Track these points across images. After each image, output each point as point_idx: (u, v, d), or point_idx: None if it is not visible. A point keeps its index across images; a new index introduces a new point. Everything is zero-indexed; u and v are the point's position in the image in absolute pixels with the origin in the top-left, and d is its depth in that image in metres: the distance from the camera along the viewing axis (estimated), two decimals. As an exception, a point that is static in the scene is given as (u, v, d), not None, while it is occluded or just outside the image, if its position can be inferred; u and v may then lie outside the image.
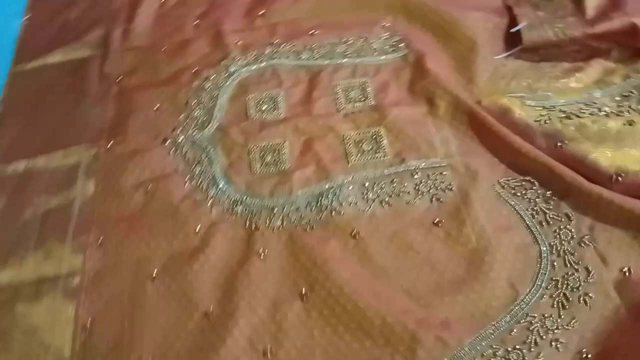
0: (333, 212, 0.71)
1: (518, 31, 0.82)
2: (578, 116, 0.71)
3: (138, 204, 0.75)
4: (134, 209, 0.75)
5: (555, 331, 0.59)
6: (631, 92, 0.74)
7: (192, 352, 0.62)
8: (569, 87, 0.78)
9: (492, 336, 0.59)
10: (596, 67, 0.79)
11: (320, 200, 0.72)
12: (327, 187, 0.73)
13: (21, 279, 0.71)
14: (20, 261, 0.73)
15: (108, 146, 0.82)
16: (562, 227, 0.65)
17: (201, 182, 0.76)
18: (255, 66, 0.88)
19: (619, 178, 0.65)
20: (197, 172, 0.77)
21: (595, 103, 0.74)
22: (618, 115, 0.72)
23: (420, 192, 0.71)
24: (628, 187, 0.64)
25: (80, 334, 0.66)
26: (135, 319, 0.65)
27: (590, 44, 0.80)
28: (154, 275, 0.69)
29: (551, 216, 0.66)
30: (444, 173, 0.72)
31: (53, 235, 0.74)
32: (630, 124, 0.69)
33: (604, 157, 0.67)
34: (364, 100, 0.81)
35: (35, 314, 0.68)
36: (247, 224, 0.71)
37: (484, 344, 0.59)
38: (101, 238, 0.72)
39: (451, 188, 0.71)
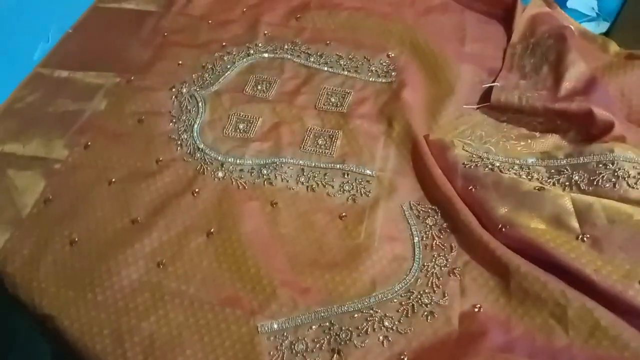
0: (266, 182, 0.83)
1: (495, 91, 0.90)
2: (501, 171, 0.78)
3: (128, 127, 0.92)
4: (123, 130, 0.91)
5: (389, 330, 0.66)
6: (565, 170, 0.79)
7: (109, 244, 0.77)
8: (514, 150, 0.84)
9: (336, 314, 0.68)
10: (548, 141, 0.85)
11: (262, 170, 0.84)
12: (272, 161, 0.85)
13: (22, 153, 0.90)
14: (28, 140, 0.92)
15: (130, 79, 1.00)
16: (442, 254, 0.73)
17: (181, 126, 0.91)
18: (270, 55, 1.03)
19: (504, 229, 0.71)
20: (182, 118, 0.93)
21: (528, 168, 0.80)
22: (540, 183, 0.77)
23: (342, 190, 0.81)
24: (508, 238, 0.71)
25: (40, 203, 0.83)
26: (82, 207, 0.81)
27: (552, 120, 0.86)
28: (112, 180, 0.84)
29: (437, 243, 0.74)
30: (370, 182, 0.82)
31: (58, 130, 0.93)
32: (539, 190, 0.74)
33: (502, 210, 0.73)
34: (339, 106, 0.92)
35: (18, 178, 0.85)
36: (197, 168, 0.85)
37: (325, 316, 0.68)
38: (89, 143, 0.90)
39: (368, 195, 0.80)
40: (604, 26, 1.29)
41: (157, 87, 0.98)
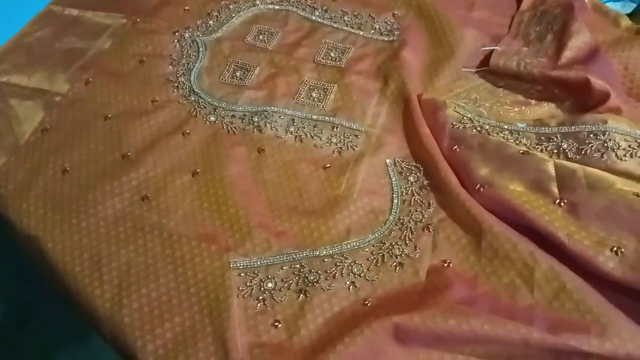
0: (256, 129, 0.84)
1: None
2: (489, 134, 0.78)
3: (129, 67, 0.93)
4: (124, 69, 0.93)
5: (357, 277, 0.68)
6: (555, 137, 0.78)
7: (98, 175, 0.79)
8: (507, 115, 0.84)
9: (306, 257, 0.70)
10: (543, 109, 0.84)
11: (253, 117, 0.85)
12: (264, 109, 0.86)
13: (25, 84, 0.92)
14: (33, 72, 0.94)
15: (136, 21, 1.01)
16: (419, 210, 0.73)
17: (180, 69, 0.93)
18: (276, 7, 1.03)
19: (481, 189, 0.71)
20: (182, 62, 0.94)
21: (518, 133, 0.80)
22: (527, 148, 0.77)
23: (330, 142, 0.82)
24: (485, 198, 0.71)
25: (37, 132, 0.85)
26: (77, 138, 0.84)
27: (550, 88, 0.85)
28: (108, 116, 0.86)
29: (416, 200, 0.74)
30: (358, 136, 0.82)
31: (62, 65, 0.95)
32: (523, 153, 0.74)
33: (483, 171, 0.73)
34: (337, 60, 0.92)
35: (20, 107, 0.88)
36: (190, 110, 0.87)
37: (297, 258, 0.69)
38: (90, 79, 0.92)
39: (355, 149, 0.81)
40: (629, 7, 1.24)
41: (161, 30, 0.99)
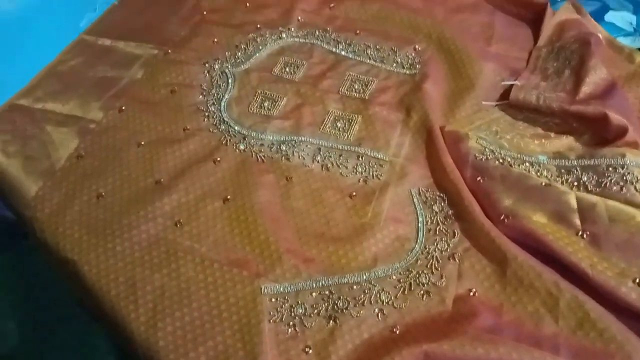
0: (283, 157, 0.87)
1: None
2: (511, 165, 0.80)
3: (161, 96, 0.97)
4: (156, 98, 0.97)
5: (385, 304, 0.70)
6: (575, 170, 0.81)
7: (132, 200, 0.82)
8: (527, 147, 0.86)
9: (336, 284, 0.72)
10: (562, 142, 0.86)
11: (281, 146, 0.88)
12: (291, 138, 0.89)
13: (60, 111, 0.96)
14: (67, 100, 0.98)
15: (167, 52, 1.05)
16: (444, 239, 0.75)
17: (210, 99, 0.96)
18: (301, 40, 1.07)
19: (506, 220, 0.74)
20: (212, 92, 0.97)
21: (539, 165, 0.82)
22: (548, 179, 0.79)
23: (355, 171, 0.85)
24: (510, 229, 0.73)
25: (72, 158, 0.89)
26: (110, 165, 0.87)
27: (568, 121, 0.88)
28: (141, 143, 0.90)
29: (441, 229, 0.77)
30: (382, 166, 0.85)
31: (95, 93, 0.99)
32: (545, 185, 0.76)
33: (507, 202, 0.76)
34: (361, 92, 0.96)
35: (55, 134, 0.92)
36: (221, 139, 0.90)
37: (326, 284, 0.71)
38: (123, 107, 0.95)
39: (380, 178, 0.83)
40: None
41: (191, 61, 1.03)
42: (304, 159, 0.86)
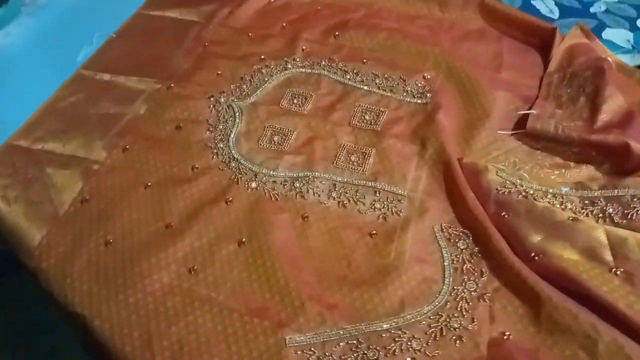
0: (298, 195, 0.84)
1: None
2: (535, 199, 0.78)
3: (166, 133, 0.94)
4: (161, 135, 0.93)
5: (417, 352, 0.66)
6: (599, 201, 0.79)
7: (142, 246, 0.78)
8: (548, 178, 0.84)
9: (363, 332, 0.68)
10: (583, 171, 0.85)
11: (294, 182, 0.85)
12: (305, 174, 0.86)
13: (61, 152, 0.92)
14: (68, 139, 0.94)
15: (170, 86, 1.02)
16: (472, 279, 0.73)
17: (218, 135, 0.93)
18: (307, 70, 1.04)
19: (536, 258, 0.71)
20: (219, 127, 0.94)
21: (562, 197, 0.80)
22: (574, 212, 0.77)
23: (373, 207, 0.82)
24: (541, 267, 0.70)
25: (77, 202, 0.85)
26: (118, 208, 0.83)
27: (587, 151, 0.86)
28: (148, 184, 0.86)
29: (468, 268, 0.74)
30: (401, 201, 0.82)
31: (98, 131, 0.95)
32: (573, 220, 0.74)
33: (535, 238, 0.73)
34: (373, 124, 0.93)
35: (57, 176, 0.88)
36: (232, 177, 0.87)
37: (353, 333, 0.68)
38: (127, 146, 0.92)
39: (400, 214, 0.80)
40: (639, 58, 1.28)
41: (196, 95, 1.00)
42: (319, 195, 0.84)
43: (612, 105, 0.88)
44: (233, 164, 0.88)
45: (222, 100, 0.99)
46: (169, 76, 1.04)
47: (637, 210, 0.75)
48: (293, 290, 0.72)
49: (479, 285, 0.72)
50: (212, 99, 0.99)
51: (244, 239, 0.78)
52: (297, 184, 0.85)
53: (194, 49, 1.10)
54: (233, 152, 0.90)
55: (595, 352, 0.63)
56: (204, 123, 0.95)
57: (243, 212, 0.82)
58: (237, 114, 0.96)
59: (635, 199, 0.76)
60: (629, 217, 0.75)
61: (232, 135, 0.93)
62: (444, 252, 0.76)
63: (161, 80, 1.04)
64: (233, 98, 0.99)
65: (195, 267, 0.75)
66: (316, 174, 0.86)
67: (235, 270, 0.75)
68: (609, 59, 1.00)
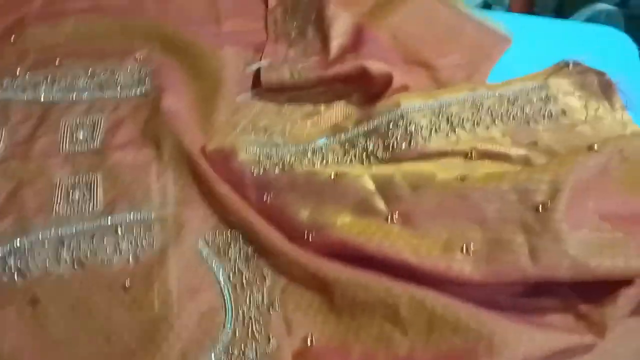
0: (18, 275, 0.63)
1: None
2: (293, 166, 0.67)
3: None
4: None
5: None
6: (359, 140, 0.70)
7: None
8: (303, 133, 0.74)
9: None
10: (335, 111, 0.76)
11: (8, 260, 0.64)
12: (19, 244, 0.65)
13: None
14: None
15: None
16: (255, 290, 0.61)
17: None
18: (-13, 100, 0.79)
19: (310, 236, 0.61)
20: None
21: (322, 150, 0.71)
22: (338, 164, 0.68)
23: (119, 251, 0.65)
24: (318, 245, 0.61)
25: None
26: None
27: (333, 87, 0.77)
28: None
29: (247, 277, 0.62)
30: (151, 227, 0.66)
31: None
32: (336, 176, 0.65)
33: (303, 214, 0.63)
34: (89, 141, 0.74)
35: None
36: None
37: None
38: None
39: (153, 246, 0.65)
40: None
41: None
42: (46, 265, 0.64)
43: (339, 27, 0.79)
44: None
45: None
46: None
47: (396, 137, 0.69)
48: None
49: (265, 293, 0.61)
50: None
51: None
52: (12, 261, 0.64)
53: None
54: None
55: (398, 319, 0.56)
56: None
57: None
58: None
59: (391, 125, 0.70)
60: (391, 147, 0.68)
61: None
62: (215, 269, 0.63)
63: None
64: None
65: None
66: (33, 237, 0.66)
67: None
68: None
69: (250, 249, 0.64)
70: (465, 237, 0.56)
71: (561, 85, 0.69)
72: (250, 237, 0.64)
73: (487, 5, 1.46)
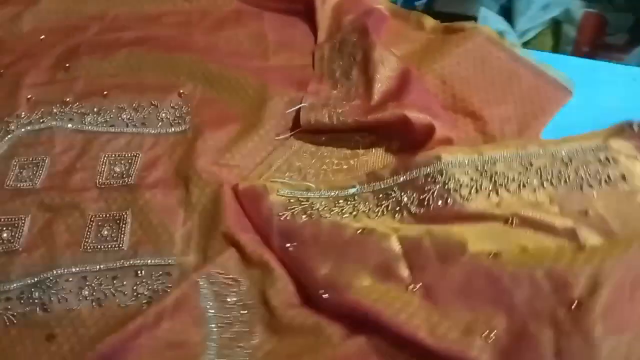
0: (39, 309, 0.64)
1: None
2: (321, 214, 0.64)
3: None
4: None
5: None
6: (393, 191, 0.66)
7: None
8: (337, 177, 0.70)
9: None
10: (374, 157, 0.72)
11: (33, 292, 0.65)
12: (45, 277, 0.66)
13: None
14: None
15: None
16: (241, 346, 0.58)
17: None
18: (36, 126, 0.82)
19: (325, 294, 0.57)
20: None
21: (353, 199, 0.67)
22: (367, 215, 0.64)
23: (136, 294, 0.64)
24: (332, 306, 0.57)
25: None
26: None
27: (372, 132, 0.73)
28: None
29: (237, 329, 0.59)
30: (170, 274, 0.65)
31: None
32: (362, 233, 0.61)
33: (323, 270, 0.59)
34: (125, 176, 0.74)
35: None
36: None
37: None
38: None
39: (168, 290, 0.63)
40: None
41: None
42: (66, 300, 0.64)
43: (385, 72, 0.75)
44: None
45: None
46: None
47: (433, 193, 0.63)
48: None
49: (248, 351, 0.57)
50: None
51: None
52: (37, 294, 0.65)
53: None
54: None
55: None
56: None
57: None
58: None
59: (429, 179, 0.64)
60: (426, 203, 0.63)
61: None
62: (209, 313, 0.60)
63: None
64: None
65: None
66: (59, 271, 0.66)
67: None
68: (380, 6, 0.87)
69: (250, 301, 0.61)
70: (488, 323, 0.51)
71: (623, 147, 0.61)
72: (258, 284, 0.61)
73: (556, 23, 1.37)
